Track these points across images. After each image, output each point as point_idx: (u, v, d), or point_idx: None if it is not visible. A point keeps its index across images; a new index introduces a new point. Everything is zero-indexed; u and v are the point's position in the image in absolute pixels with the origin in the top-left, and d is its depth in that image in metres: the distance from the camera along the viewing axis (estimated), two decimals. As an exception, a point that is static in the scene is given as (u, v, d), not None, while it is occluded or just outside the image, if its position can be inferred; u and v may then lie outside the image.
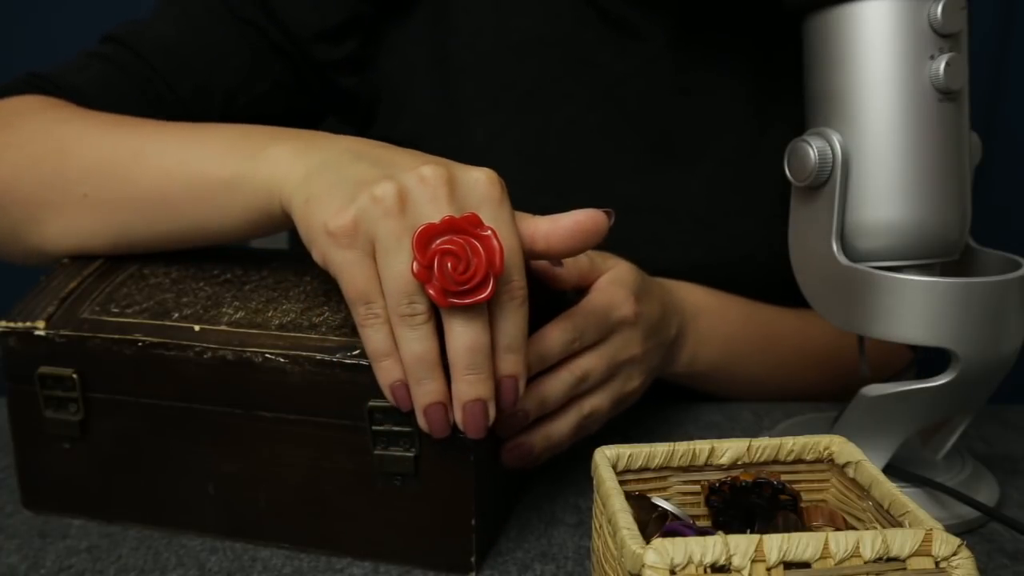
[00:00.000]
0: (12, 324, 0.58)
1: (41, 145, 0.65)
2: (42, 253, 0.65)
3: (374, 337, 0.50)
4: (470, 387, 0.49)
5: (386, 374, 0.50)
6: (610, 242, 0.65)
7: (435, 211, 0.48)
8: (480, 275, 0.47)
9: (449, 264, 0.47)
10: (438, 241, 0.47)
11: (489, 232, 0.48)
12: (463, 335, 0.48)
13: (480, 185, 0.50)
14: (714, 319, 0.74)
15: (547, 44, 0.78)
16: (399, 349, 0.49)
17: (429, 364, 0.49)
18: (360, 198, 0.49)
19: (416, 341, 0.48)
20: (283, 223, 0.56)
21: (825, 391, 0.77)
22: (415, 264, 0.47)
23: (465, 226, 0.48)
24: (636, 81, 0.78)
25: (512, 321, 0.50)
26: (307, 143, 0.56)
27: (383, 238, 0.48)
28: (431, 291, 0.47)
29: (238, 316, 0.57)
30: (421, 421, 0.50)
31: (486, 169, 0.51)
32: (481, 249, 0.47)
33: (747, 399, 0.78)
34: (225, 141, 0.59)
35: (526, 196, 0.77)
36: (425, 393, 0.49)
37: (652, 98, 0.78)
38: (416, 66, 0.78)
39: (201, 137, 0.60)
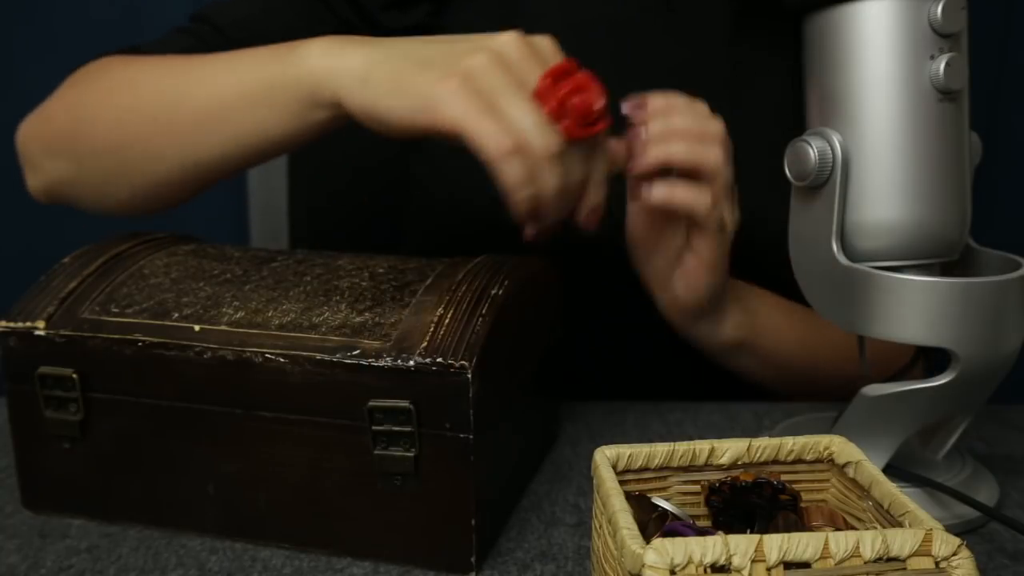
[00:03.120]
0: (12, 324, 0.59)
1: (116, 83, 0.70)
2: (134, 191, 0.69)
3: (511, 172, 0.53)
4: (597, 196, 0.58)
5: (523, 204, 0.55)
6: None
7: (531, 67, 0.54)
8: (600, 107, 0.53)
9: (576, 100, 0.52)
10: (561, 83, 0.53)
11: (589, 73, 0.53)
12: (585, 163, 0.56)
13: (549, 46, 0.56)
14: (758, 297, 0.77)
15: (611, 26, 0.80)
16: (535, 185, 0.54)
17: (567, 193, 0.56)
18: (464, 62, 0.54)
19: (552, 175, 0.54)
20: (328, 116, 0.59)
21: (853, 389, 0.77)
22: (550, 102, 0.52)
23: (575, 69, 0.54)
24: (692, 70, 0.80)
25: (600, 159, 0.58)
26: (348, 40, 0.59)
27: (501, 89, 0.53)
28: (564, 125, 0.53)
29: (238, 316, 0.57)
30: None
31: (541, 35, 0.56)
32: (594, 86, 0.53)
33: (792, 391, 0.79)
34: (274, 49, 0.62)
35: None
36: (558, 210, 0.56)
37: (705, 88, 0.80)
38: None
39: (250, 51, 0.64)
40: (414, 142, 0.81)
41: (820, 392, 0.78)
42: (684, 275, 0.70)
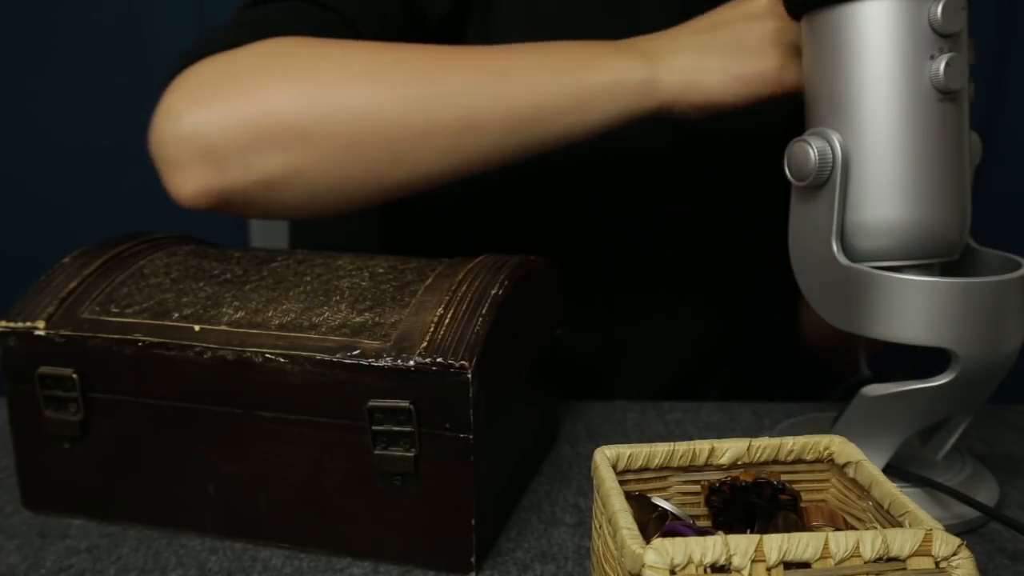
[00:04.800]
0: (12, 324, 0.59)
1: (384, 71, 0.64)
2: (401, 187, 0.65)
3: None
4: None
5: None
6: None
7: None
8: None
9: None
10: None
11: None
12: None
13: None
14: None
15: (611, 6, 0.81)
16: None
17: None
18: (761, 31, 0.64)
19: None
20: (642, 116, 0.65)
21: None
22: None
23: None
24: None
25: None
26: (649, 48, 0.65)
27: (791, 40, 0.64)
28: None
29: (238, 316, 0.57)
30: None
31: None
32: None
33: None
34: (572, 54, 0.66)
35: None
36: None
37: None
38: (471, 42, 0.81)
39: (544, 53, 0.66)
40: None
41: None
42: None
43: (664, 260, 0.85)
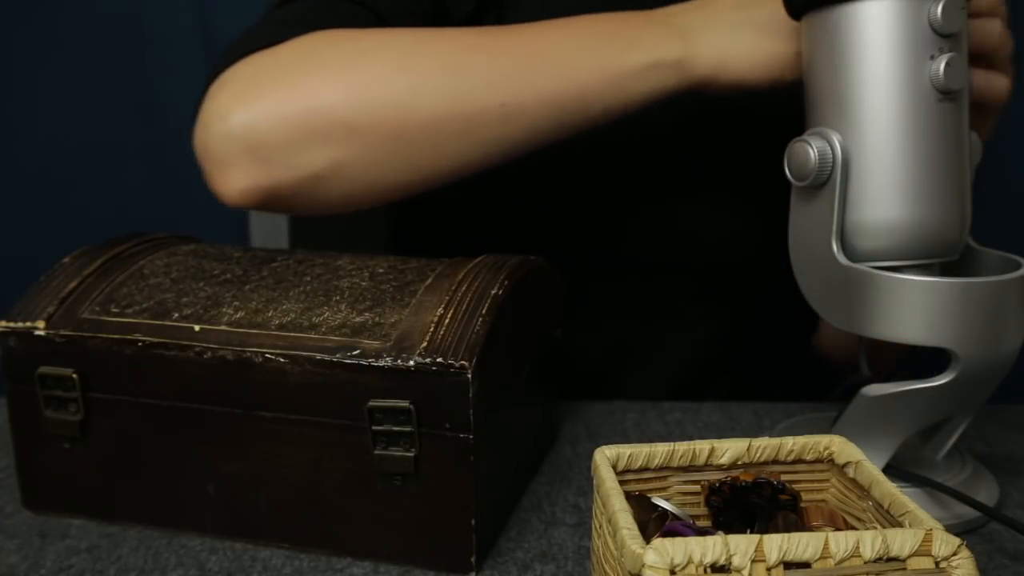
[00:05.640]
0: (12, 324, 0.59)
1: (428, 61, 0.64)
2: (443, 176, 0.65)
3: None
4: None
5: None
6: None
7: None
8: None
9: None
10: None
11: None
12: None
13: None
14: None
15: None
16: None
17: None
18: (781, 14, 0.62)
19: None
20: (676, 92, 0.65)
21: None
22: None
23: None
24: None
25: None
26: (685, 23, 0.64)
27: None
28: None
29: (238, 316, 0.57)
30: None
31: None
32: None
33: None
34: (610, 32, 0.65)
35: None
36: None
37: None
38: None
39: (583, 31, 0.65)
40: None
41: None
42: None
43: (671, 263, 0.85)
